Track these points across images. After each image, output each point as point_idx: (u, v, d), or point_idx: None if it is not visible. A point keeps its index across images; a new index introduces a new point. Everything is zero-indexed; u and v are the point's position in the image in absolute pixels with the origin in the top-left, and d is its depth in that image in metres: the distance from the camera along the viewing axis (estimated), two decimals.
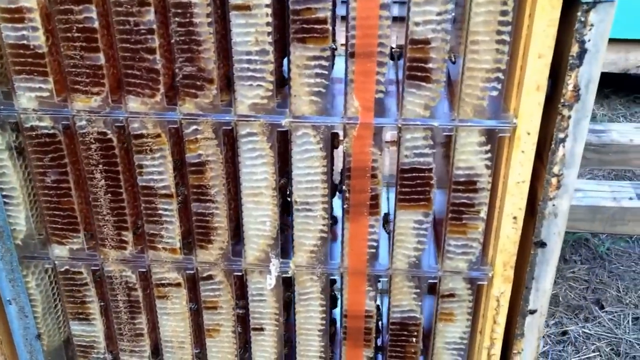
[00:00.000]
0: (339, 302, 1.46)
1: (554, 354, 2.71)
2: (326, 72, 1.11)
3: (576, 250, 3.34)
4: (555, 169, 1.13)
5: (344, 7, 1.07)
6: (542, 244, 1.20)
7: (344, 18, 1.07)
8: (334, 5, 1.18)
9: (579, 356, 2.70)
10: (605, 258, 3.29)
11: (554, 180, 1.14)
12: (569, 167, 1.12)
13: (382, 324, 1.52)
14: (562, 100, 1.06)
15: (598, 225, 2.87)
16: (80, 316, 1.43)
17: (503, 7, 1.02)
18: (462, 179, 1.17)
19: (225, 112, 1.16)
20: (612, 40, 4.40)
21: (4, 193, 1.28)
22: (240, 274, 1.33)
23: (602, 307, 2.96)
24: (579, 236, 3.38)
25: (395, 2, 1.08)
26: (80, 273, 1.37)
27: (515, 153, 1.12)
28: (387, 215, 1.33)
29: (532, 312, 1.27)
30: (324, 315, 1.36)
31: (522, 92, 1.07)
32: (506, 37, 1.04)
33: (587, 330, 2.83)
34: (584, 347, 2.75)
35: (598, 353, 2.71)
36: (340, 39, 1.13)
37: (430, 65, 1.07)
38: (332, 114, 1.15)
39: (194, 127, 1.17)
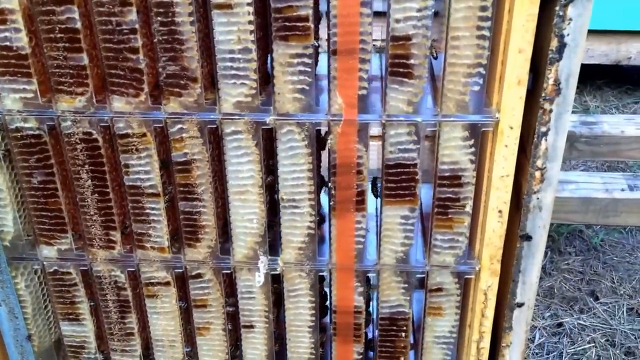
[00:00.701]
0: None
1: (550, 346, 2.73)
2: (309, 70, 1.11)
3: (570, 242, 3.36)
4: (539, 163, 1.14)
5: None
6: (528, 237, 1.21)
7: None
8: (317, 2, 1.19)
9: (574, 347, 2.72)
10: (600, 249, 3.31)
11: (537, 174, 1.15)
12: (552, 161, 1.13)
13: (373, 319, 1.53)
14: (543, 95, 1.07)
15: (591, 216, 2.88)
16: (70, 316, 1.44)
17: (482, 3, 1.03)
18: (446, 174, 1.18)
19: (210, 110, 1.17)
20: (604, 32, 4.42)
21: None
22: (229, 271, 1.34)
23: (596, 299, 2.98)
24: (573, 228, 3.39)
25: None
26: (69, 273, 1.38)
27: (498, 147, 1.13)
28: None
29: (520, 305, 1.28)
30: (314, 311, 1.37)
31: (503, 87, 1.08)
32: (486, 33, 1.05)
33: (582, 322, 2.85)
34: (579, 339, 2.76)
35: (593, 344, 2.72)
36: (324, 35, 1.14)
37: (412, 61, 1.08)
38: (317, 111, 1.16)
39: (179, 126, 1.18)
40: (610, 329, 2.81)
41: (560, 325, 2.84)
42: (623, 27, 4.46)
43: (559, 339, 2.77)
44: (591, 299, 2.99)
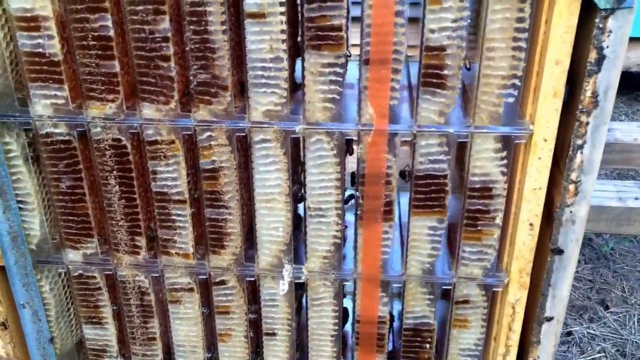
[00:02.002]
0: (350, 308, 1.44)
1: (559, 355, 2.68)
2: (340, 79, 1.08)
3: (580, 250, 3.31)
4: (573, 176, 1.10)
5: (357, 9, 1.04)
6: (559, 251, 1.17)
7: (356, 19, 1.05)
8: (348, 10, 1.15)
9: (584, 357, 2.67)
10: (610, 258, 3.25)
11: (571, 187, 1.11)
12: (586, 174, 1.09)
13: (393, 329, 1.49)
14: (580, 107, 1.04)
15: (603, 225, 2.83)
16: (93, 320, 1.41)
17: (520, 14, 0.99)
18: (477, 186, 1.14)
19: (239, 118, 1.13)
20: None
21: (19, 199, 1.26)
22: (252, 279, 1.30)
23: (607, 308, 2.93)
24: (583, 236, 3.34)
25: None
26: (94, 277, 1.35)
27: (531, 159, 1.09)
28: None
29: (549, 319, 1.24)
30: (337, 320, 1.33)
31: (538, 99, 1.05)
32: (523, 44, 1.01)
33: (592, 331, 2.80)
34: (589, 348, 2.72)
35: (603, 354, 2.68)
36: (352, 40, 1.11)
37: (445, 72, 1.05)
38: (344, 120, 1.12)
39: (208, 133, 1.15)
40: (621, 339, 2.76)
41: (569, 334, 2.79)
42: (633, 34, 4.40)
43: (568, 347, 2.72)
44: (601, 308, 2.94)
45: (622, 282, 3.09)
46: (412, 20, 1.05)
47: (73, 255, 1.32)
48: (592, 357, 2.66)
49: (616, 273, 3.15)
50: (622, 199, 2.83)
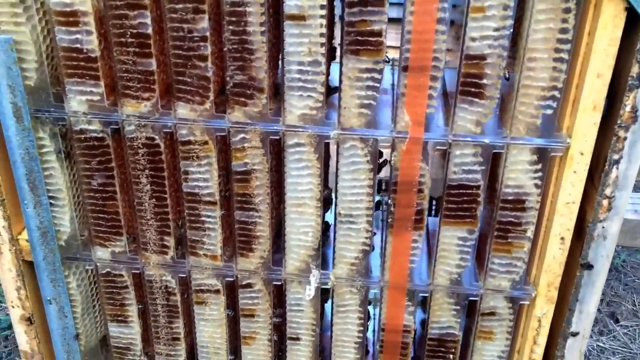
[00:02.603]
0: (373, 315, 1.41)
1: None
2: (377, 85, 1.05)
3: None
4: (607, 191, 1.06)
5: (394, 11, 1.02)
6: (589, 266, 1.13)
7: (393, 20, 1.02)
8: None
9: None
10: (621, 270, 3.19)
11: (605, 202, 1.07)
12: (621, 189, 1.06)
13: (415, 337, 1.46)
14: (618, 122, 1.00)
15: (619, 237, 2.78)
16: (119, 318, 1.38)
17: (563, 25, 0.96)
18: (510, 197, 1.11)
19: (274, 121, 1.10)
20: None
21: (50, 194, 1.24)
22: (279, 283, 1.27)
23: (617, 321, 2.87)
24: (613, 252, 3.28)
25: None
26: (121, 276, 1.32)
27: (567, 173, 1.06)
28: None
29: (574, 334, 1.21)
30: (361, 328, 1.30)
31: (577, 112, 1.01)
32: (565, 55, 0.98)
33: (601, 344, 2.74)
34: None
35: None
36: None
37: (484, 81, 1.02)
38: (379, 126, 1.09)
39: (242, 135, 1.12)
40: (630, 352, 2.70)
41: None
42: None
43: None
44: (611, 321, 2.88)
45: (633, 296, 3.03)
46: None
47: (101, 253, 1.30)
48: None
49: (627, 286, 3.09)
50: (638, 212, 2.77)
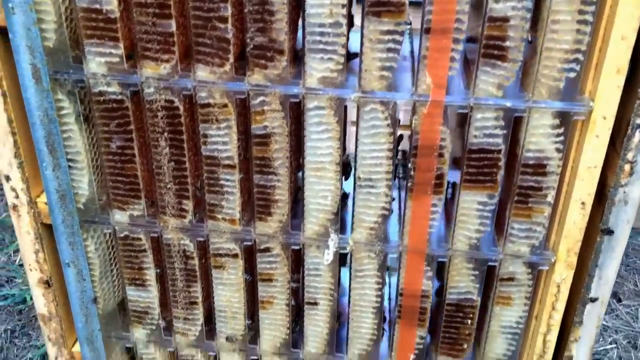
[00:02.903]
0: (392, 282, 1.42)
1: None
2: (399, 47, 1.05)
3: None
4: (629, 155, 1.06)
5: None
6: (610, 232, 1.14)
7: None
8: None
9: (596, 348, 2.63)
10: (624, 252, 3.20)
11: (627, 167, 1.08)
12: None
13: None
14: None
15: None
16: (137, 282, 1.40)
17: None
18: (531, 162, 1.11)
19: (294, 84, 1.11)
20: None
21: (69, 157, 1.25)
22: (297, 247, 1.29)
23: (619, 300, 2.88)
24: (634, 217, 3.28)
25: None
26: (140, 239, 1.34)
27: (589, 137, 1.06)
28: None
29: (593, 300, 1.22)
30: (380, 292, 1.32)
31: (600, 75, 1.01)
32: (589, 17, 0.98)
33: (604, 323, 2.75)
34: (601, 339, 2.68)
35: (615, 345, 2.64)
36: None
37: (507, 43, 1.02)
38: (398, 90, 1.10)
39: (262, 98, 1.13)
40: (633, 331, 2.72)
41: None
42: None
43: None
44: (614, 301, 2.89)
45: (635, 277, 3.04)
46: None
47: (120, 217, 1.32)
48: (604, 347, 2.62)
49: (629, 267, 3.09)
50: None
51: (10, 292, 2.66)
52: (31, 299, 2.57)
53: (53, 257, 1.40)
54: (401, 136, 1.26)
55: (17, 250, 2.85)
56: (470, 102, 1.07)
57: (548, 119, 1.07)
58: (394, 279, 1.45)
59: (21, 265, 2.79)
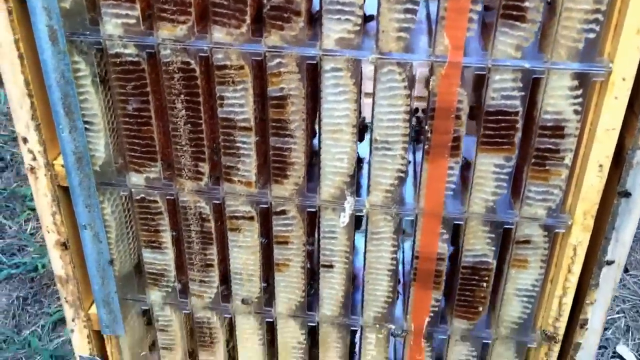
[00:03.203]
0: (406, 245, 1.44)
1: None
2: (416, 8, 1.06)
3: None
4: None
5: None
6: (627, 194, 1.15)
7: None
8: None
9: None
10: None
11: None
12: None
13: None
14: None
15: None
16: (153, 244, 1.42)
17: None
18: (549, 124, 1.12)
19: (311, 46, 1.12)
20: None
21: (85, 119, 1.27)
22: (314, 210, 1.30)
23: (626, 270, 2.90)
24: None
25: None
26: (156, 202, 1.36)
27: (607, 99, 1.07)
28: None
29: (610, 262, 1.23)
30: (395, 255, 1.33)
31: (620, 36, 1.02)
32: None
33: None
34: (609, 309, 2.70)
35: (623, 314, 2.66)
36: None
37: (526, 4, 1.02)
38: (414, 51, 1.10)
39: (278, 60, 1.14)
40: None
41: None
42: None
43: None
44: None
45: None
46: None
47: (136, 179, 1.33)
48: (612, 317, 2.65)
49: (636, 237, 3.10)
50: None
51: (22, 260, 2.70)
52: (43, 267, 2.62)
53: (70, 220, 1.42)
54: (417, 109, 1.27)
55: (28, 220, 2.89)
56: (488, 64, 1.08)
57: (566, 80, 1.07)
58: (406, 244, 1.47)
59: (32, 234, 2.83)
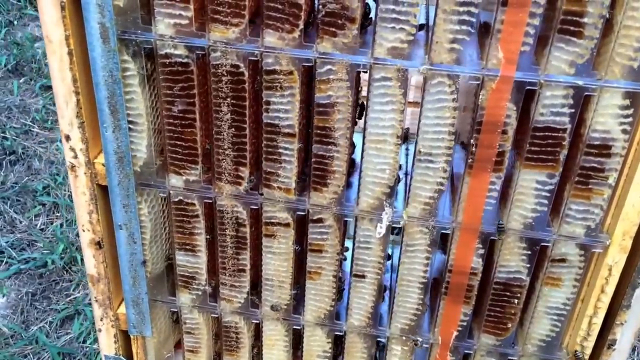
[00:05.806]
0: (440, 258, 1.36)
1: None
2: (473, 20, 0.99)
3: None
4: None
5: None
6: None
7: None
8: None
9: None
10: None
11: None
12: None
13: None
14: None
15: None
16: (187, 247, 1.35)
17: None
18: (596, 142, 1.05)
19: (362, 54, 1.05)
20: None
21: (130, 119, 1.19)
22: (351, 219, 1.22)
23: None
24: None
25: None
26: (193, 205, 1.28)
27: None
28: None
29: None
30: (427, 268, 1.25)
31: None
32: None
33: None
34: None
35: None
36: None
37: (585, 20, 0.95)
38: (465, 64, 1.03)
39: (328, 67, 1.07)
40: None
41: None
42: None
43: None
44: None
45: None
46: None
47: (175, 181, 1.26)
48: None
49: None
50: None
51: (32, 256, 2.60)
52: (52, 263, 2.52)
53: (106, 219, 1.34)
54: None
55: (38, 215, 2.79)
56: (541, 79, 1.01)
57: (618, 99, 1.00)
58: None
59: (42, 230, 2.73)
